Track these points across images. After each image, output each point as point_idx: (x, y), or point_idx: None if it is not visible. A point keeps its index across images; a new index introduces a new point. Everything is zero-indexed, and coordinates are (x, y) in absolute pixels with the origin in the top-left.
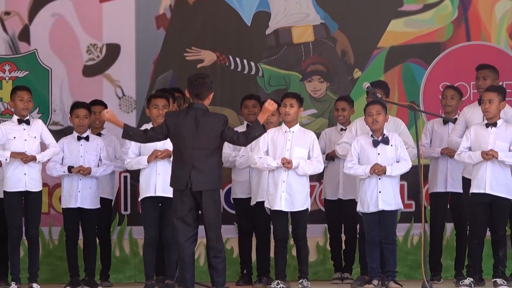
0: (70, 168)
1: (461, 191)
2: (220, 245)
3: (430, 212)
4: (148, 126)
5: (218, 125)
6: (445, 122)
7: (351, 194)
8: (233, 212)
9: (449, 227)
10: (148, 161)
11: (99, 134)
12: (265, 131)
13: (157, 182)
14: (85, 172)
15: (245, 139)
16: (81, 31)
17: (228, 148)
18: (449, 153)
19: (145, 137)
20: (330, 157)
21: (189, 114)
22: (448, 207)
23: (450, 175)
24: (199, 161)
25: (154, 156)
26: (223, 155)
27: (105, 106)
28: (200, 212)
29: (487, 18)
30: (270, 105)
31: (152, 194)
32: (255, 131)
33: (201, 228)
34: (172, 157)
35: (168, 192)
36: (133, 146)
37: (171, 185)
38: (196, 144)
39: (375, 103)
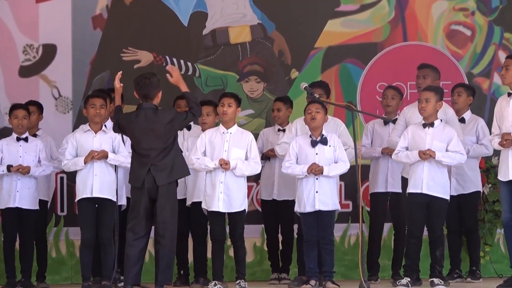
0: (9, 167)
1: (401, 191)
2: (173, 244)
3: (369, 212)
4: (85, 126)
5: (167, 121)
6: (386, 122)
7: (286, 195)
8: None
9: (386, 226)
10: (85, 162)
11: (34, 135)
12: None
13: (94, 183)
14: (24, 170)
15: (195, 110)
16: (17, 32)
17: None
18: (389, 152)
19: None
20: (266, 156)
21: (140, 115)
22: (388, 207)
23: (390, 175)
24: (156, 160)
25: (91, 157)
26: None
27: (40, 107)
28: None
29: (424, 18)
30: (172, 70)
31: (89, 195)
32: (190, 100)
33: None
34: (131, 157)
35: (105, 193)
36: (69, 147)
37: (130, 181)
38: (152, 144)
39: (315, 102)
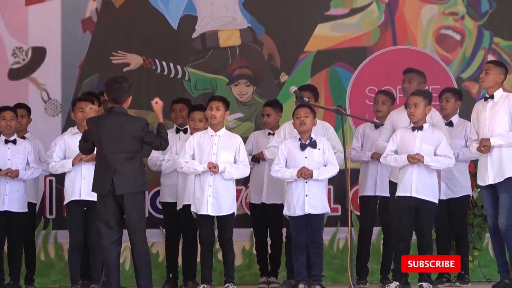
0: None
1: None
2: (145, 248)
3: (359, 216)
4: (74, 129)
5: (138, 128)
6: (377, 126)
7: (275, 199)
8: (159, 216)
9: (375, 230)
10: (73, 164)
11: (23, 138)
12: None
13: (82, 185)
14: (12, 174)
15: (160, 143)
16: (7, 34)
17: (156, 152)
18: (379, 157)
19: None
20: (256, 158)
21: (110, 119)
22: (377, 211)
23: (379, 179)
24: (121, 165)
25: (79, 159)
26: (151, 158)
27: (28, 110)
28: (124, 215)
29: (414, 22)
30: (156, 104)
31: (77, 198)
32: (162, 132)
33: (125, 232)
34: (95, 162)
35: (93, 196)
36: (57, 150)
37: (93, 190)
38: (118, 148)
39: (304, 106)
